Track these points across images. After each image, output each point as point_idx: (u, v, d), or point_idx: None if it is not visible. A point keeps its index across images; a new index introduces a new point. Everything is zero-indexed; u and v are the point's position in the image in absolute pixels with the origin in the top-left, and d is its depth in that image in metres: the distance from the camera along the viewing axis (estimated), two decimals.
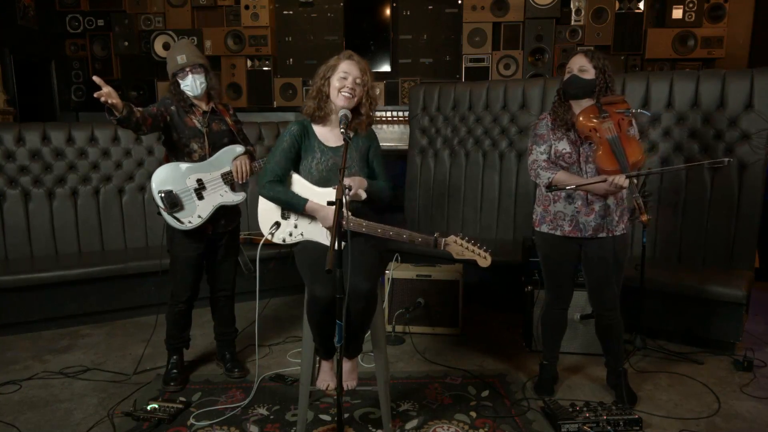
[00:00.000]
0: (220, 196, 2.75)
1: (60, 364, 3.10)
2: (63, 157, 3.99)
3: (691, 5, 5.22)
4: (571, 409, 2.43)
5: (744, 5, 5.32)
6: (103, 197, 4.06)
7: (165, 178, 2.66)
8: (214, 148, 2.76)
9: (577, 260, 2.59)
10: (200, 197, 2.71)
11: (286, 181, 2.32)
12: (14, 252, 3.83)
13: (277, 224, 2.35)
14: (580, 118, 2.40)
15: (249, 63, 5.68)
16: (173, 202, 2.65)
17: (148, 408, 2.52)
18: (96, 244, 4.04)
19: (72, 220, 3.98)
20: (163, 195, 2.64)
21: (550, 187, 2.45)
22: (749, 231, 3.37)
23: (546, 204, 2.55)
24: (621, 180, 2.29)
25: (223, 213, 2.79)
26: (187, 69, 2.68)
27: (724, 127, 3.44)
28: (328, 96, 2.31)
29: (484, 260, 2.23)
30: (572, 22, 5.41)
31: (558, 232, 2.52)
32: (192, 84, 2.69)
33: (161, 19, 5.70)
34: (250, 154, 2.87)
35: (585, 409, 2.42)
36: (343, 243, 1.93)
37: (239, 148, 2.81)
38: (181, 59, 2.66)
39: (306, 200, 2.25)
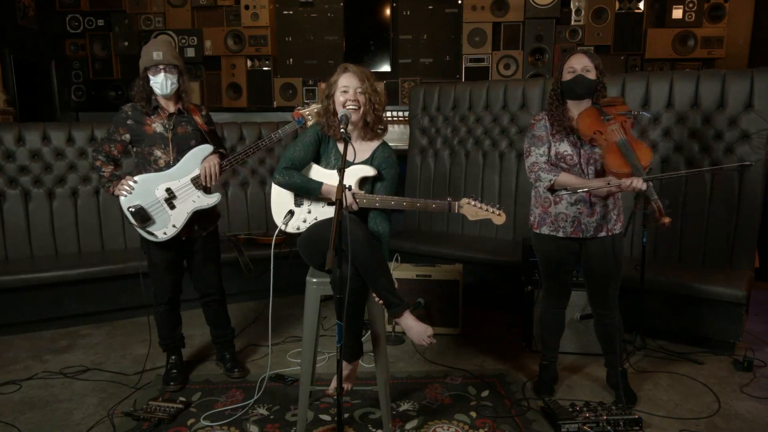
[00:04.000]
0: (193, 202, 2.67)
1: (60, 364, 3.10)
2: (63, 157, 3.99)
3: (691, 5, 5.22)
4: (571, 409, 2.43)
5: (744, 5, 5.32)
6: (103, 197, 4.05)
7: (134, 192, 2.62)
8: (180, 152, 2.66)
9: (576, 260, 2.58)
10: (172, 207, 2.65)
11: (301, 170, 2.35)
12: (14, 252, 3.82)
13: (291, 213, 2.38)
14: (584, 121, 2.39)
15: (249, 63, 5.68)
16: (143, 216, 2.61)
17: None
18: (96, 244, 4.03)
19: (72, 220, 3.98)
20: (132, 210, 2.60)
21: (552, 189, 2.44)
22: (749, 231, 3.37)
23: (546, 206, 2.53)
24: (638, 183, 2.25)
25: (196, 218, 2.72)
26: (161, 66, 2.58)
27: (724, 127, 3.44)
28: (335, 113, 2.31)
29: (499, 217, 2.24)
30: (572, 22, 5.41)
31: (560, 234, 2.50)
32: (162, 83, 2.60)
33: (161, 19, 5.70)
34: (220, 155, 2.76)
35: (585, 409, 2.42)
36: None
37: (206, 149, 2.69)
38: (157, 56, 2.57)
39: (321, 183, 2.29)
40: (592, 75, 2.39)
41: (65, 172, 3.98)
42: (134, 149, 2.72)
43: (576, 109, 2.46)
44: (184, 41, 5.58)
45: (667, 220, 2.24)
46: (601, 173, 2.43)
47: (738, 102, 3.40)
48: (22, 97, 5.13)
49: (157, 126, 2.66)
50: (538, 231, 2.57)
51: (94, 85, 5.82)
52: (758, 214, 3.36)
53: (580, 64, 2.40)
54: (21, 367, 3.07)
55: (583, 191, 2.38)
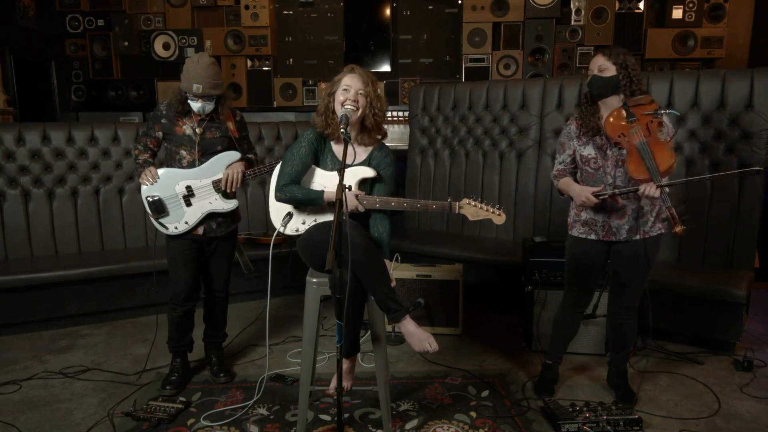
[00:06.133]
0: (209, 203, 2.72)
1: (60, 364, 3.10)
2: (63, 157, 3.99)
3: (691, 5, 5.22)
4: (571, 409, 2.43)
5: (744, 5, 5.33)
6: (103, 197, 4.06)
7: (156, 184, 2.68)
8: (204, 154, 2.72)
9: (605, 262, 2.56)
10: (188, 204, 2.70)
11: (300, 182, 2.34)
12: (14, 252, 3.82)
13: (290, 215, 2.38)
14: (610, 124, 2.34)
15: (249, 63, 5.68)
16: (159, 208, 2.68)
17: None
18: (96, 244, 4.03)
19: (72, 220, 3.98)
20: (150, 200, 2.67)
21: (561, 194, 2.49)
22: (749, 231, 3.37)
23: (579, 209, 2.51)
24: (651, 190, 2.21)
25: (214, 219, 2.76)
26: (200, 96, 2.64)
27: (724, 127, 3.44)
28: (334, 111, 2.30)
29: (499, 217, 2.25)
30: (572, 22, 5.42)
31: (592, 236, 2.48)
32: (201, 107, 2.66)
33: (161, 19, 5.71)
34: (247, 162, 2.82)
35: (585, 409, 2.42)
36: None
37: (234, 155, 2.76)
38: (196, 89, 2.58)
39: (322, 192, 2.28)
40: (608, 73, 2.34)
41: (65, 172, 3.98)
42: (165, 145, 2.80)
43: (605, 108, 2.42)
44: (184, 41, 5.58)
45: (679, 229, 2.18)
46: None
47: (738, 102, 3.40)
48: (22, 97, 5.14)
49: (187, 128, 2.72)
50: (571, 232, 2.56)
51: (94, 85, 5.82)
52: (758, 214, 3.36)
53: (595, 65, 2.37)
54: (21, 367, 3.07)
55: (605, 196, 2.34)
